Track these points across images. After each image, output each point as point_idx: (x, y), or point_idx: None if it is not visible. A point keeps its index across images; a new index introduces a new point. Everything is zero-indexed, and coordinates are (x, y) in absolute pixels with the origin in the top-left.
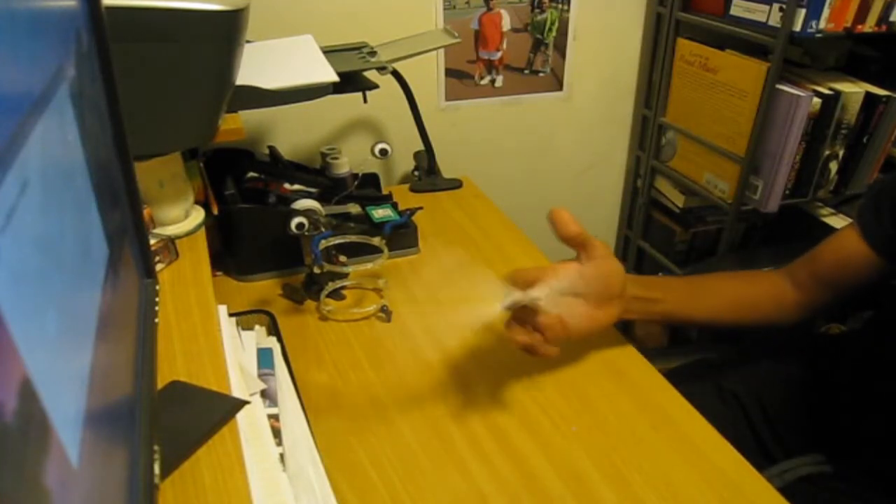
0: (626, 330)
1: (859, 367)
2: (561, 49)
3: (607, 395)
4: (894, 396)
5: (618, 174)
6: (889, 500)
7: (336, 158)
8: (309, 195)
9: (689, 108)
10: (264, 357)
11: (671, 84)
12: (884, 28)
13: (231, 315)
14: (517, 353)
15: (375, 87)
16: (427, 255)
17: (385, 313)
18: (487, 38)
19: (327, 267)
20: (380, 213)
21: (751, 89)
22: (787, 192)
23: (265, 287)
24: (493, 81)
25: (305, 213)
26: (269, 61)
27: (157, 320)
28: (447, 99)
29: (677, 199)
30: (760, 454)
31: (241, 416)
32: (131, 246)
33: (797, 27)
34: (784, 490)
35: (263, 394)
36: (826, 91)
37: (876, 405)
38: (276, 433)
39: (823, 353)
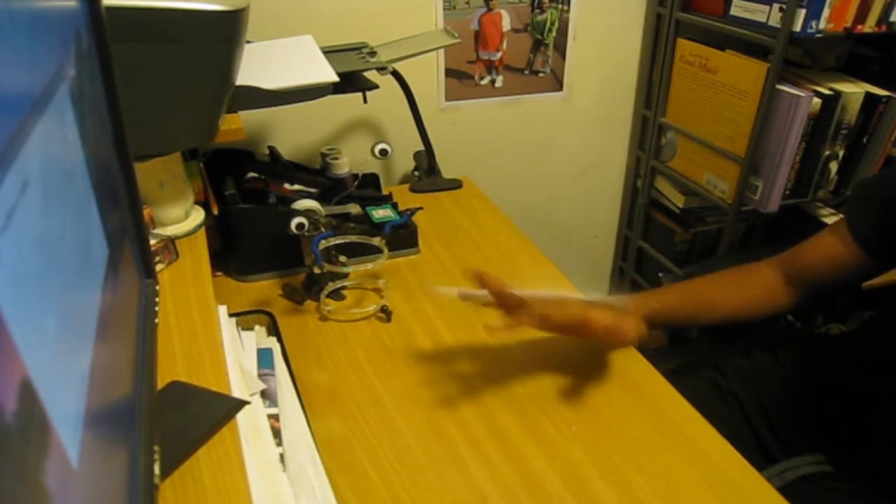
0: None
1: (859, 367)
2: (561, 49)
3: (607, 396)
4: (894, 396)
5: (618, 174)
6: (889, 500)
7: (336, 159)
8: (309, 195)
9: (689, 108)
10: (264, 357)
11: (671, 84)
12: (884, 28)
13: (231, 315)
14: (518, 353)
15: (375, 87)
16: (427, 254)
17: (385, 313)
18: (487, 39)
19: (327, 267)
20: (380, 213)
21: (751, 89)
22: (787, 192)
23: (265, 287)
24: (493, 82)
25: (305, 213)
26: (269, 61)
27: (157, 320)
28: (447, 99)
29: (677, 200)
30: (760, 454)
31: (241, 416)
32: (131, 246)
33: (797, 27)
34: (784, 490)
35: (263, 394)
36: (826, 91)
37: (875, 405)
38: (276, 433)
39: (823, 353)
